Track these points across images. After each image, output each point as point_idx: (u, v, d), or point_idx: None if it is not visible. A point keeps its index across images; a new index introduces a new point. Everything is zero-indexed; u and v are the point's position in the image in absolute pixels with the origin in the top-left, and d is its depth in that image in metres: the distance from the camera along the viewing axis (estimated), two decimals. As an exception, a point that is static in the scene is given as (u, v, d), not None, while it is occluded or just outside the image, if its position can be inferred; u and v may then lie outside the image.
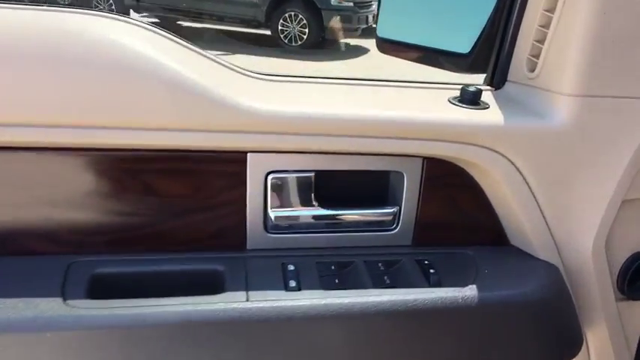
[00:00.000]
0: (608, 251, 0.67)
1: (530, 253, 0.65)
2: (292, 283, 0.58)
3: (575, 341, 0.65)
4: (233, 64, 0.66)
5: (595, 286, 0.67)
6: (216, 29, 6.63)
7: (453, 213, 0.65)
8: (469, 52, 0.79)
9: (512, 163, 0.61)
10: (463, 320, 0.57)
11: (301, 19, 5.86)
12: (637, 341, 0.78)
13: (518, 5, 0.65)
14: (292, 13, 5.87)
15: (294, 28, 5.91)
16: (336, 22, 5.79)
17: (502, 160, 0.61)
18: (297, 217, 0.64)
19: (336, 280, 0.59)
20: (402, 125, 0.58)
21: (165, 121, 0.54)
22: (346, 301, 0.56)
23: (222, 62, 0.65)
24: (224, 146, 0.57)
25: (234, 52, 5.52)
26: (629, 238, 0.69)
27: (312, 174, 0.62)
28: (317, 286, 0.58)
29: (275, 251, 0.63)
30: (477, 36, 0.78)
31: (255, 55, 5.54)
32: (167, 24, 6.84)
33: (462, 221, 0.66)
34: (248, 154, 0.59)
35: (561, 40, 0.60)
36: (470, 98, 0.63)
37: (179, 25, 6.93)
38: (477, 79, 0.81)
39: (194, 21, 6.70)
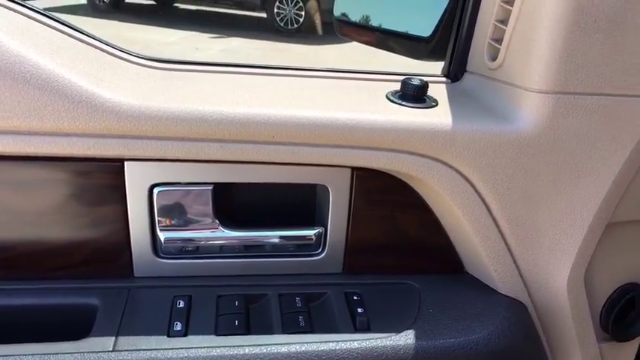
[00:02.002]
0: (589, 284, 0.54)
1: (490, 285, 0.53)
2: (177, 326, 0.46)
3: None
4: (121, 48, 0.53)
5: (572, 326, 0.54)
6: (211, 11, 6.46)
7: (393, 235, 0.53)
8: (430, 36, 0.66)
9: (463, 175, 0.48)
10: None
11: (297, 2, 5.67)
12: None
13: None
14: (288, -5, 5.69)
15: (290, 11, 5.72)
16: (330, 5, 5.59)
17: (450, 172, 0.48)
18: (193, 240, 0.51)
19: (236, 322, 0.47)
20: (321, 129, 0.46)
21: (13, 123, 0.42)
22: (240, 352, 0.44)
23: (106, 46, 0.52)
24: (92, 153, 0.45)
25: (228, 35, 5.36)
26: (617, 268, 0.56)
27: (211, 187, 0.49)
28: (209, 330, 0.46)
29: (169, 280, 0.51)
30: (439, 17, 0.66)
31: (251, 38, 5.37)
32: (163, 6, 6.70)
33: (404, 244, 0.53)
34: (125, 163, 0.47)
35: (529, 21, 0.46)
36: (412, 94, 0.50)
37: (175, 7, 6.76)
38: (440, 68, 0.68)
39: (190, 3, 6.53)
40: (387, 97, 0.51)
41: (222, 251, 0.52)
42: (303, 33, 5.68)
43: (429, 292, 0.52)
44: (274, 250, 0.53)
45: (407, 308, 0.50)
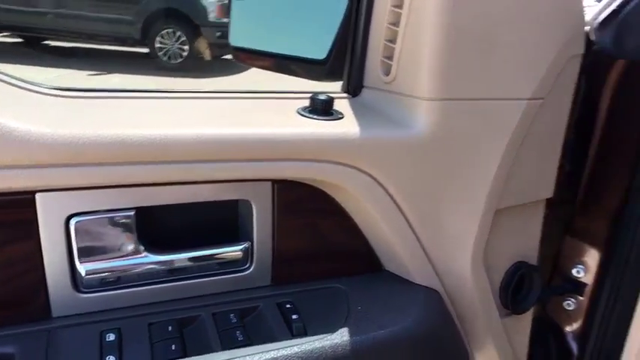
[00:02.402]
0: (487, 266, 0.61)
1: (407, 278, 0.58)
2: None
3: None
4: (20, 79, 0.51)
5: (478, 305, 0.61)
6: (89, 48, 6.16)
7: (316, 242, 0.56)
8: (325, 59, 0.71)
9: (375, 179, 0.53)
10: None
11: (180, 36, 5.62)
12: (526, 357, 0.74)
13: (365, 3, 0.58)
14: (169, 30, 5.61)
15: (172, 45, 5.65)
16: (217, 39, 5.63)
17: (362, 176, 0.52)
18: (118, 269, 0.50)
19: (173, 347, 0.47)
20: (238, 145, 0.48)
21: None
22: None
23: (3, 76, 0.50)
24: None
25: (109, 72, 5.15)
26: (507, 249, 0.64)
27: (133, 212, 0.49)
28: (146, 359, 0.45)
29: (92, 315, 0.49)
30: (332, 40, 0.71)
31: (133, 74, 5.21)
32: (32, 44, 6.25)
33: (328, 250, 0.57)
34: (37, 195, 0.45)
35: (413, 39, 0.53)
36: (321, 108, 0.54)
37: (45, 45, 6.36)
38: (338, 87, 0.73)
39: (63, 40, 6.17)
40: (298, 113, 0.54)
41: (150, 277, 0.51)
42: (188, 67, 5.63)
43: (355, 292, 0.55)
44: (202, 270, 0.53)
45: (337, 309, 0.53)
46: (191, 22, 5.55)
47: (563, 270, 0.80)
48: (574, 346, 0.81)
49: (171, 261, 0.52)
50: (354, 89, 0.62)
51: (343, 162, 0.51)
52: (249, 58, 0.90)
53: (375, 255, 0.59)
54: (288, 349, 0.47)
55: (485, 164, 0.56)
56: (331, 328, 0.50)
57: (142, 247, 0.50)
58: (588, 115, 0.70)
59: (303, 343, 0.48)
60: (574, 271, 0.78)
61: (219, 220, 0.54)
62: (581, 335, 0.80)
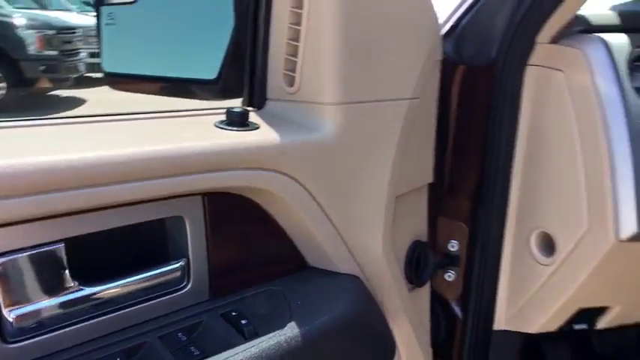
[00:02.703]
0: (394, 248, 0.69)
1: (332, 269, 0.63)
2: None
3: (389, 346, 0.65)
4: None
5: (392, 283, 0.68)
6: None
7: (248, 250, 0.58)
8: (216, 78, 0.74)
9: (296, 180, 0.58)
10: None
11: (-7, 73, 5.01)
12: (429, 324, 0.84)
13: (262, 23, 0.63)
14: (-20, 67, 4.98)
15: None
16: (40, 74, 5.13)
17: (284, 178, 0.57)
18: (51, 309, 0.47)
19: None
20: (163, 161, 0.48)
21: None
22: None
23: None
24: None
25: None
26: (406, 231, 0.73)
27: (61, 245, 0.46)
28: None
29: None
30: (222, 59, 0.74)
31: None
32: None
33: (260, 256, 0.59)
34: None
35: (313, 52, 0.59)
36: (238, 120, 0.57)
37: None
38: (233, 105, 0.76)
39: None
40: (216, 126, 0.57)
41: (87, 312, 0.49)
42: (8, 106, 5.03)
43: (290, 291, 0.59)
44: (141, 295, 0.52)
45: (279, 308, 0.56)
46: (6, 57, 4.98)
47: (440, 246, 0.92)
48: (458, 311, 0.94)
49: (108, 291, 0.50)
50: (258, 103, 0.66)
51: (265, 167, 0.55)
52: (128, 83, 0.88)
53: (301, 254, 0.64)
54: (246, 351, 0.49)
55: (384, 157, 0.64)
56: (280, 325, 0.53)
57: (75, 282, 0.48)
58: (448, 109, 0.83)
59: (259, 343, 0.50)
60: (449, 246, 0.92)
61: (154, 240, 0.54)
62: (462, 300, 0.94)
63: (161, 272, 0.53)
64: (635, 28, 0.76)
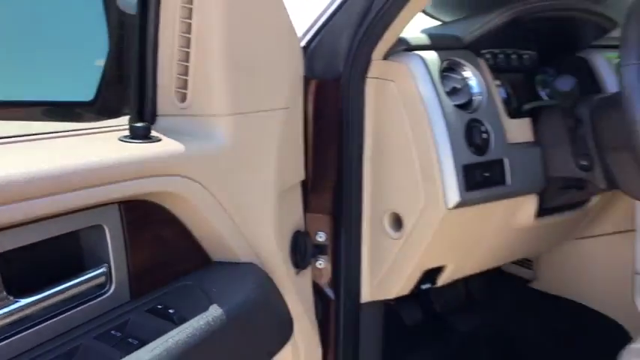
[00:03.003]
0: (282, 236, 0.80)
1: (235, 261, 0.72)
2: None
3: (288, 319, 0.75)
4: None
5: (283, 269, 0.79)
6: None
7: (162, 252, 0.64)
8: (93, 99, 0.77)
9: (199, 183, 0.65)
10: (226, 337, 0.58)
11: None
12: (312, 303, 0.96)
13: (151, 46, 0.69)
14: None
15: None
16: None
17: (189, 182, 0.64)
18: None
19: None
20: (78, 174, 0.53)
21: None
22: None
23: None
24: None
25: None
26: (289, 222, 0.84)
27: None
28: None
29: None
30: (99, 81, 0.78)
31: None
32: None
33: (172, 256, 0.65)
34: None
35: (202, 71, 0.68)
36: (142, 134, 0.63)
37: None
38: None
39: None
40: (122, 140, 0.62)
41: (18, 324, 0.50)
42: None
43: (204, 282, 0.66)
44: (69, 303, 0.55)
45: (199, 297, 0.63)
46: None
47: (310, 237, 1.06)
48: (330, 293, 1.09)
49: (36, 302, 0.52)
50: (149, 119, 0.72)
51: (171, 173, 0.62)
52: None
53: (204, 250, 0.71)
54: (182, 332, 0.55)
55: (268, 159, 0.75)
56: (203, 309, 0.60)
57: (11, 297, 0.49)
58: (308, 117, 0.97)
59: (190, 325, 0.57)
60: (317, 237, 1.06)
61: (78, 249, 0.57)
62: (333, 283, 1.08)
63: (86, 279, 0.57)
64: (441, 46, 1.00)
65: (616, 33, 1.27)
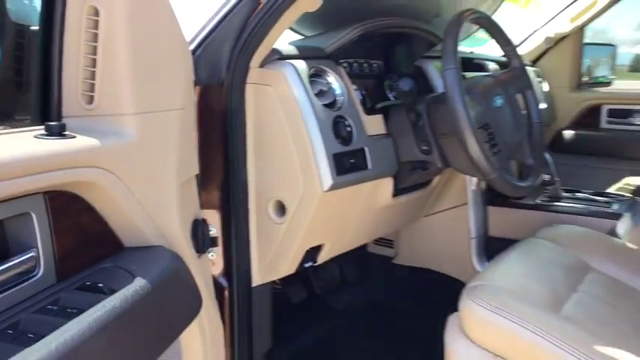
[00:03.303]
0: (185, 223, 0.90)
1: (147, 245, 0.80)
2: None
3: (198, 294, 0.86)
4: None
5: (188, 252, 0.89)
6: None
7: (82, 238, 0.71)
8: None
9: (112, 173, 0.73)
10: (151, 306, 0.67)
11: None
12: (212, 285, 1.06)
13: (56, 53, 0.75)
14: None
15: None
16: None
17: (104, 172, 0.71)
18: None
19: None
20: (5, 166, 0.59)
21: None
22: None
23: None
24: None
25: None
26: (189, 211, 0.94)
27: None
28: None
29: None
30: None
31: None
32: None
33: (92, 242, 0.72)
34: None
35: (109, 76, 0.76)
36: (57, 131, 0.69)
37: None
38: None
39: None
40: (39, 137, 0.68)
41: None
42: None
43: (123, 263, 0.74)
44: (1, 285, 0.60)
45: (121, 274, 0.71)
46: None
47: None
48: (224, 282, 1.20)
49: None
50: (55, 120, 0.77)
51: (88, 165, 0.69)
52: None
53: (118, 237, 0.78)
54: (116, 299, 0.64)
55: (171, 153, 0.85)
56: (128, 283, 0.69)
57: None
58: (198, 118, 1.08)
59: (121, 294, 0.65)
60: (209, 232, 1.16)
61: (10, 235, 0.62)
62: (225, 272, 1.20)
63: (16, 263, 0.62)
64: (308, 56, 1.17)
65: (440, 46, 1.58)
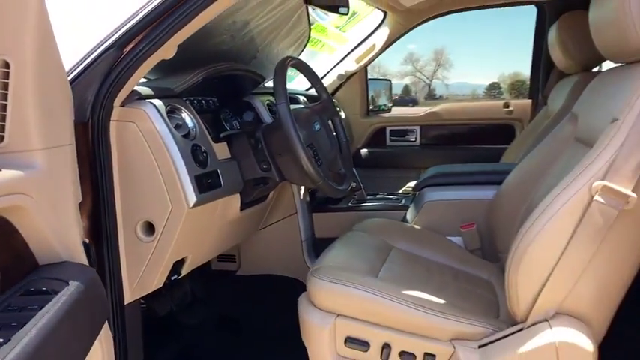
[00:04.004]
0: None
1: (58, 261, 0.93)
2: None
3: (106, 303, 1.00)
4: None
5: (83, 259, 1.02)
6: None
7: (13, 256, 0.82)
8: None
9: (32, 197, 0.85)
10: (86, 304, 0.82)
11: None
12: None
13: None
14: None
15: None
16: None
17: (27, 198, 0.84)
18: None
19: None
20: None
21: None
22: None
23: None
24: None
25: None
26: (80, 232, 1.07)
27: None
28: None
29: None
30: None
31: None
32: None
33: (19, 260, 0.83)
34: None
35: (19, 118, 0.88)
36: None
37: None
38: None
39: None
40: None
41: None
42: None
43: (50, 274, 0.86)
44: None
45: (53, 282, 0.83)
46: None
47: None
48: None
49: None
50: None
51: (15, 192, 0.82)
52: None
53: (35, 257, 0.89)
54: (66, 293, 0.77)
55: (70, 183, 0.98)
56: (65, 286, 0.82)
57: None
58: None
59: (68, 289, 0.79)
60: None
61: None
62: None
63: None
64: (162, 95, 1.38)
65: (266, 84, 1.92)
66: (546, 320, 1.15)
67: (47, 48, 0.91)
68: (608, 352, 1.19)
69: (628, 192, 1.03)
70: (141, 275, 1.39)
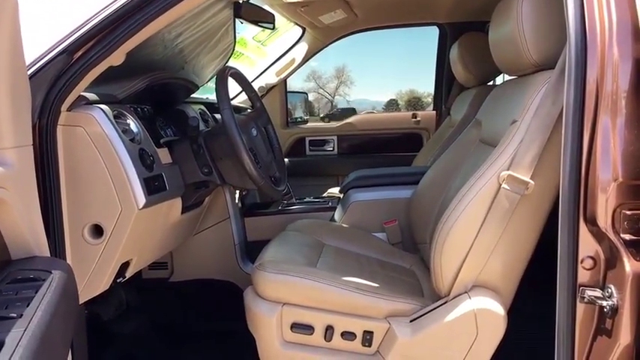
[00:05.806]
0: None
1: (37, 255, 0.95)
2: None
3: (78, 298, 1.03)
4: None
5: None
6: None
7: None
8: None
9: (13, 194, 0.88)
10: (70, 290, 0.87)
11: None
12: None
13: None
14: None
15: None
16: None
17: (8, 192, 0.87)
18: None
19: None
20: None
21: None
22: None
23: None
24: None
25: None
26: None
27: None
28: None
29: None
30: None
31: None
32: None
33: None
34: None
35: None
36: None
37: None
38: None
39: None
40: None
41: None
42: None
43: (30, 266, 0.88)
44: None
45: (36, 271, 0.87)
46: None
47: None
48: None
49: None
50: None
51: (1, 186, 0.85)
52: None
53: (9, 251, 0.91)
54: (55, 278, 0.81)
55: (34, 181, 1.01)
56: (49, 275, 0.86)
57: None
58: None
59: (54, 276, 0.83)
60: None
61: None
62: None
63: None
64: (107, 101, 1.42)
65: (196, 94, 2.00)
66: (466, 292, 1.35)
67: (18, 49, 0.94)
68: (514, 315, 1.41)
69: (527, 179, 1.26)
70: (88, 277, 1.41)
